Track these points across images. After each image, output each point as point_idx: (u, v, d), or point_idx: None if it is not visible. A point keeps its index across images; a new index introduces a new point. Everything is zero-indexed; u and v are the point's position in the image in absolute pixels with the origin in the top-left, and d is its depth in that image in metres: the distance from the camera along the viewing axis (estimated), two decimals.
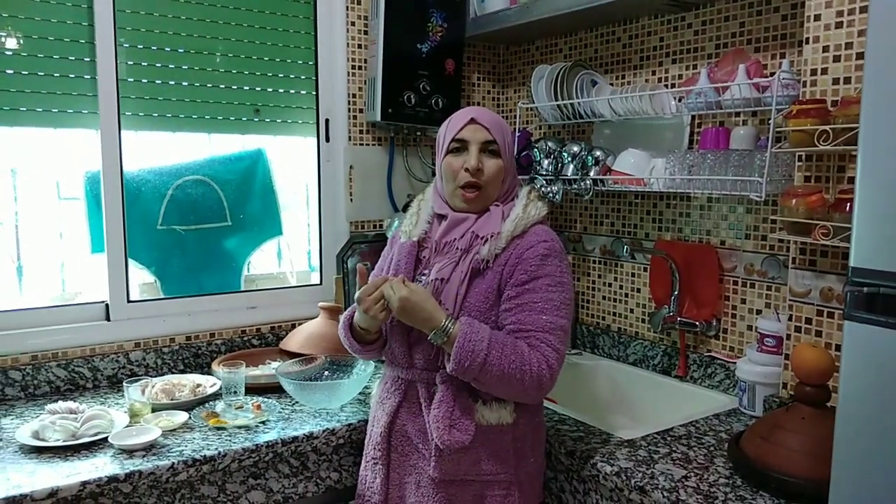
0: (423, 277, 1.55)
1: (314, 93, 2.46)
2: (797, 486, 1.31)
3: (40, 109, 2.01)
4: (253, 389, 1.94)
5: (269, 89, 2.38)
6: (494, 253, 1.49)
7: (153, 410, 1.77)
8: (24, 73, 1.97)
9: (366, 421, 1.74)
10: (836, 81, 1.54)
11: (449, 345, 1.40)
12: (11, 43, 1.95)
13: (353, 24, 2.44)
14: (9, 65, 1.95)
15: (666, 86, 2.13)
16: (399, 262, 1.59)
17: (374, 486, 1.58)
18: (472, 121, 1.55)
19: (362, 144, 2.51)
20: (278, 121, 2.43)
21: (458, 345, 1.38)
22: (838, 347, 1.53)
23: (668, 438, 1.65)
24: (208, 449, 1.58)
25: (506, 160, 1.56)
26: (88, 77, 2.05)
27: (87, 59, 2.05)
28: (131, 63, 2.13)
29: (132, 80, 2.13)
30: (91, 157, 2.09)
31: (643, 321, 2.27)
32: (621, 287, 2.34)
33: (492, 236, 1.50)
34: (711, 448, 1.59)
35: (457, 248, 1.52)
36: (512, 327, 1.45)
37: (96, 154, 2.08)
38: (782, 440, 1.38)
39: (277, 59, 2.38)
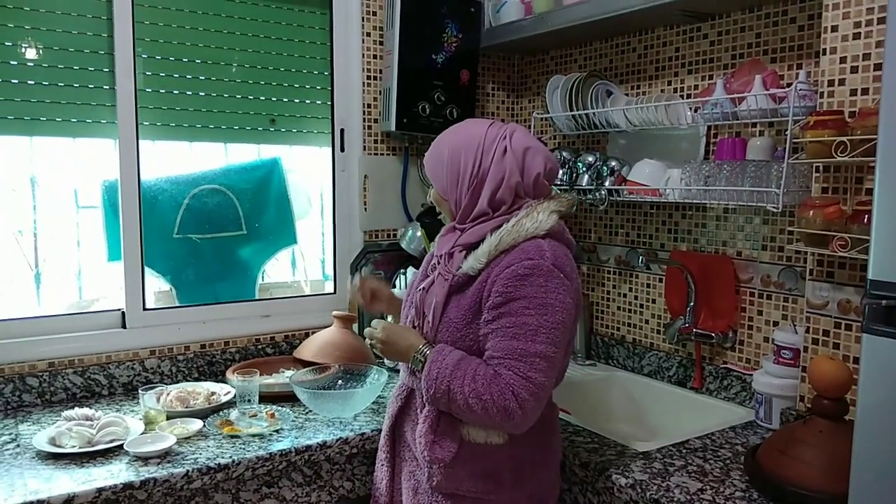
0: (420, 290, 1.57)
1: (329, 103, 2.47)
2: (814, 500, 1.30)
3: (59, 119, 2.03)
4: (267, 398, 1.94)
5: (285, 99, 2.40)
6: (477, 268, 1.41)
7: (168, 418, 1.78)
8: (43, 83, 2.00)
9: (379, 430, 1.74)
10: (853, 92, 1.53)
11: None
12: (31, 53, 1.98)
13: (368, 34, 2.46)
14: (29, 75, 1.98)
15: (681, 96, 2.12)
16: (418, 272, 1.65)
17: (382, 486, 1.62)
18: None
19: (377, 154, 2.52)
20: (294, 130, 2.44)
21: (425, 371, 1.39)
22: (856, 360, 1.51)
23: (684, 451, 1.63)
24: (222, 457, 1.59)
25: (442, 188, 1.51)
26: (107, 87, 2.08)
27: (106, 70, 2.07)
28: (149, 73, 2.15)
29: (150, 90, 2.15)
30: (109, 166, 2.12)
31: (658, 332, 2.26)
32: (636, 298, 2.33)
33: (472, 249, 1.45)
34: (727, 461, 1.57)
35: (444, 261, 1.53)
36: (487, 353, 1.39)
37: (114, 163, 2.10)
38: (799, 453, 1.37)
39: (293, 70, 2.40)
